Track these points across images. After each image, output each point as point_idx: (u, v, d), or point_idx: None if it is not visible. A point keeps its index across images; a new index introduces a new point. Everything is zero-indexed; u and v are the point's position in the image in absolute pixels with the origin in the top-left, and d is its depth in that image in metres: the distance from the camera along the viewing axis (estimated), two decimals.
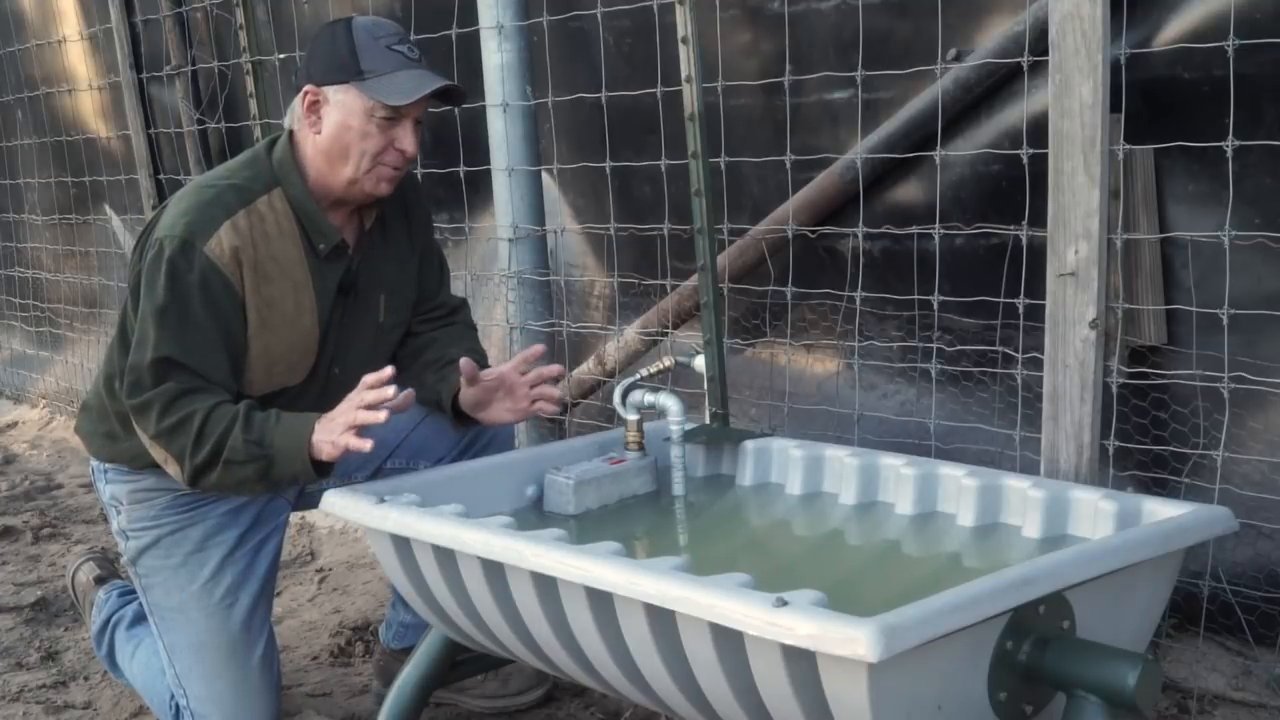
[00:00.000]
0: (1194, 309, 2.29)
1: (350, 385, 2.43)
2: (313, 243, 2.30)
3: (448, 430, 2.44)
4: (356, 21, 2.28)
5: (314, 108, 2.26)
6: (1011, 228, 2.45)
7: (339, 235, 2.33)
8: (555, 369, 2.36)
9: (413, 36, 3.24)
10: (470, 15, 3.33)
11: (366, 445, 2.06)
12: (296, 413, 2.18)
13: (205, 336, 2.20)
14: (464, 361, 2.28)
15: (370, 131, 2.23)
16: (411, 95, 2.20)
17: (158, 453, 2.22)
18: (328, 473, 2.17)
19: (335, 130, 2.24)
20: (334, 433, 2.09)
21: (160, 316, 2.18)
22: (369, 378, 2.11)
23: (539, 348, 2.39)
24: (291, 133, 2.32)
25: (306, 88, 2.27)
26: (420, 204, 2.53)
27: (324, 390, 2.37)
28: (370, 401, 2.07)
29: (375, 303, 2.42)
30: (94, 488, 2.58)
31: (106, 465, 2.46)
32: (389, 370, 2.11)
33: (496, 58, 3.28)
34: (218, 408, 2.16)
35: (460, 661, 2.38)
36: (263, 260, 2.25)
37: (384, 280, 2.43)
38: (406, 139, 2.24)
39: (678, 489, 2.38)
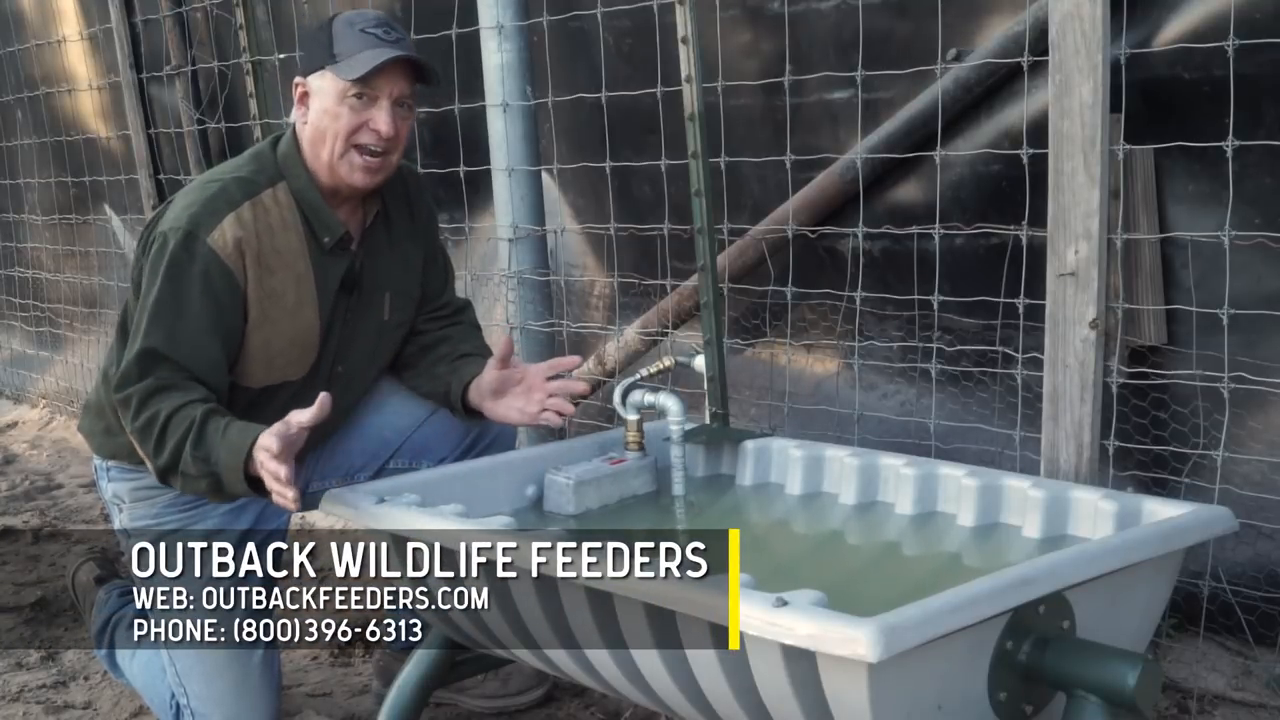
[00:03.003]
0: (1194, 309, 2.29)
1: (353, 382, 2.43)
2: (317, 236, 2.31)
3: (451, 430, 2.44)
4: (341, 15, 2.32)
5: (303, 99, 2.31)
6: (1011, 228, 2.45)
7: (343, 228, 2.34)
8: (582, 387, 2.38)
9: (413, 37, 3.24)
10: (470, 15, 3.33)
11: (292, 507, 2.00)
12: (245, 423, 2.10)
13: (198, 328, 2.20)
14: (505, 339, 2.31)
15: (341, 112, 2.25)
16: (367, 66, 2.21)
17: (137, 449, 2.23)
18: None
19: (315, 117, 2.28)
20: (266, 477, 2.01)
21: (155, 308, 2.18)
22: (272, 441, 1.99)
23: (575, 359, 2.41)
24: (294, 128, 2.34)
25: (295, 80, 2.32)
26: (425, 203, 2.53)
27: (328, 386, 2.36)
28: (272, 472, 1.97)
29: (380, 301, 2.43)
30: (96, 486, 2.59)
31: (109, 463, 2.46)
32: (306, 417, 2.01)
33: (496, 58, 3.28)
34: (180, 410, 2.12)
35: (460, 661, 2.38)
36: (266, 252, 2.26)
37: (389, 278, 2.43)
38: (380, 118, 2.25)
39: (678, 489, 2.38)
